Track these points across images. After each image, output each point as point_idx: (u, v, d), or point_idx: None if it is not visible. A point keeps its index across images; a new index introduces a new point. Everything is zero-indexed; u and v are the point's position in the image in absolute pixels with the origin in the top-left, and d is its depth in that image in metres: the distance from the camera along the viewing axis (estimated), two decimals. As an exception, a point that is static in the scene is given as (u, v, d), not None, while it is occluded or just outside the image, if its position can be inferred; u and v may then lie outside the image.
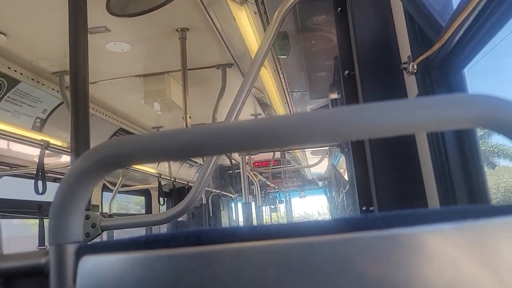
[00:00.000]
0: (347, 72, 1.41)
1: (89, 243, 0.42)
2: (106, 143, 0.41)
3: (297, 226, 0.39)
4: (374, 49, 1.26)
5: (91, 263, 0.41)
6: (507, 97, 0.36)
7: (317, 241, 0.37)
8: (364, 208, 1.37)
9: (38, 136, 2.74)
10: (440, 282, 0.35)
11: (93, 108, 3.36)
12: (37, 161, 2.77)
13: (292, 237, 0.38)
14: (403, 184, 1.26)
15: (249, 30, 2.16)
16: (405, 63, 1.04)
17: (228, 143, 0.39)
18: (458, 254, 0.36)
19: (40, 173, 2.63)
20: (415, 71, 1.00)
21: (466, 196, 0.94)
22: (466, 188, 0.93)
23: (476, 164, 0.93)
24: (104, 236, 4.42)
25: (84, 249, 0.41)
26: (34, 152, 2.95)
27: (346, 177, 4.04)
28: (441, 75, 0.96)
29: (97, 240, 1.34)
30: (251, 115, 4.29)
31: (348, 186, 3.62)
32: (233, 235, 0.39)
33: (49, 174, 3.11)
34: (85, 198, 0.41)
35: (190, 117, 2.62)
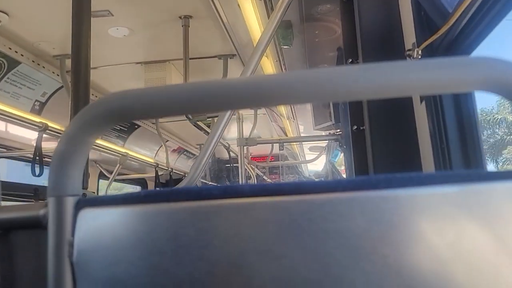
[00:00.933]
0: (350, 60, 1.41)
1: (88, 197, 0.41)
2: (110, 95, 0.40)
3: (298, 184, 0.39)
4: (379, 38, 1.26)
5: (90, 216, 0.41)
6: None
7: (318, 198, 0.37)
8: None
9: (36, 118, 2.73)
10: (441, 243, 0.35)
11: (93, 94, 3.34)
12: (34, 145, 2.76)
13: (292, 194, 0.38)
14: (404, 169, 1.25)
15: (253, 19, 2.15)
16: (409, 50, 1.04)
17: (230, 98, 0.38)
18: (460, 216, 0.36)
19: (37, 156, 2.62)
20: (420, 57, 0.99)
21: (462, 161, 0.93)
22: (462, 154, 0.93)
23: (472, 128, 0.92)
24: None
25: (83, 202, 0.41)
26: (32, 135, 2.94)
27: (344, 174, 4.04)
28: (446, 60, 0.95)
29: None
30: (251, 108, 4.28)
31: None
32: (234, 191, 0.39)
33: (46, 159, 3.10)
34: (85, 151, 0.41)
35: (190, 106, 2.61)
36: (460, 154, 0.98)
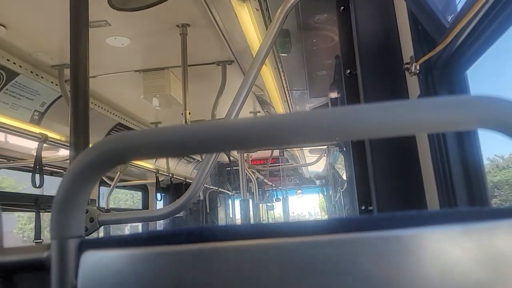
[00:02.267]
0: (348, 71, 1.41)
1: (91, 238, 0.41)
2: (109, 138, 0.40)
3: (300, 225, 0.39)
4: (376, 49, 1.26)
5: (93, 258, 0.41)
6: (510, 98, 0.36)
7: (320, 240, 0.37)
8: (363, 208, 1.37)
9: (36, 129, 2.73)
10: (444, 283, 0.35)
11: (92, 102, 3.35)
12: (34, 154, 2.76)
13: (294, 236, 0.38)
14: (403, 184, 1.25)
15: (250, 27, 2.15)
16: (407, 63, 1.04)
17: (226, 141, 0.39)
18: (461, 256, 0.36)
19: (37, 167, 2.62)
20: (418, 71, 1.00)
21: (465, 198, 0.94)
22: (466, 190, 0.93)
23: (477, 166, 0.93)
24: (100, 231, 4.42)
25: (86, 244, 0.41)
26: (32, 145, 2.94)
27: (344, 176, 4.05)
28: (444, 76, 0.96)
29: (94, 235, 1.34)
30: (250, 112, 4.28)
31: (346, 185, 3.62)
32: (235, 232, 0.39)
33: (46, 168, 3.10)
34: (87, 193, 0.41)
35: (189, 113, 2.62)
36: (459, 154, 0.98)
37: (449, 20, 0.89)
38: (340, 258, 0.37)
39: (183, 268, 0.38)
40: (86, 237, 0.42)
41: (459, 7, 0.83)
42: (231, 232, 0.39)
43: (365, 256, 0.36)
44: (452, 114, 0.36)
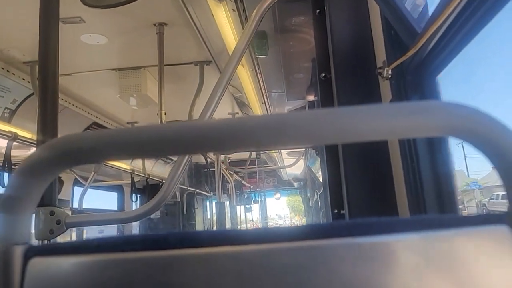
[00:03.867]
0: (323, 75, 1.41)
1: (38, 245, 0.39)
2: (65, 137, 0.38)
3: (258, 232, 0.37)
4: (350, 53, 1.26)
5: (40, 266, 0.38)
6: (478, 106, 0.35)
7: (278, 248, 0.36)
8: (335, 211, 1.37)
9: (5, 127, 2.65)
10: (403, 293, 0.35)
11: (66, 101, 3.27)
12: (3, 152, 2.69)
13: (252, 243, 0.36)
14: (374, 188, 1.26)
15: (227, 27, 2.14)
16: (380, 68, 1.04)
17: (197, 143, 0.37)
18: (422, 263, 0.35)
19: (6, 165, 2.54)
20: (390, 76, 1.00)
21: (435, 203, 0.94)
22: (436, 195, 0.94)
23: (446, 173, 0.94)
24: (74, 234, 4.32)
25: (33, 251, 0.39)
26: (2, 143, 2.86)
27: (321, 179, 4.07)
28: (415, 81, 0.96)
29: (55, 240, 1.29)
30: (229, 113, 4.26)
31: (322, 188, 3.64)
32: (191, 240, 0.37)
33: (16, 167, 3.02)
34: (37, 195, 0.39)
35: (165, 114, 2.59)
36: (430, 161, 0.99)
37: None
38: (298, 267, 0.35)
39: (135, 276, 0.36)
40: (33, 245, 0.39)
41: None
42: (188, 239, 0.37)
43: (324, 264, 0.35)
44: (418, 120, 0.36)
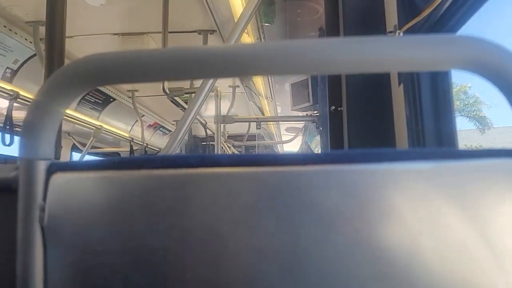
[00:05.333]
0: (331, 41, 1.40)
1: (61, 161, 0.40)
2: (79, 60, 0.39)
3: (275, 156, 0.39)
4: (361, 19, 1.25)
5: (63, 181, 0.40)
6: (495, 40, 0.36)
7: (294, 170, 0.37)
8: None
9: (7, 86, 2.64)
10: (413, 217, 0.36)
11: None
12: (5, 113, 2.68)
13: (269, 165, 0.38)
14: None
15: (235, -6, 2.11)
16: (390, 32, 1.04)
17: (217, 66, 0.38)
18: (431, 191, 0.37)
19: (8, 125, 2.54)
20: (400, 39, 0.99)
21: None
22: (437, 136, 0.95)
23: (447, 111, 0.94)
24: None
25: (56, 166, 0.40)
26: (3, 104, 2.85)
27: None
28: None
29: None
30: (229, 86, 4.25)
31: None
32: (211, 161, 0.39)
33: (17, 129, 3.02)
34: (59, 114, 0.40)
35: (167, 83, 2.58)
36: (434, 136, 1.00)
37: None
38: (312, 189, 0.37)
39: (154, 192, 0.38)
40: (56, 160, 0.41)
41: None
42: (206, 160, 0.39)
43: (337, 188, 0.37)
44: (430, 52, 0.37)
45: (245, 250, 0.37)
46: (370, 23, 1.23)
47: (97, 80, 0.39)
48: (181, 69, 0.38)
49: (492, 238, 0.36)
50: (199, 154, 0.40)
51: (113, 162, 0.39)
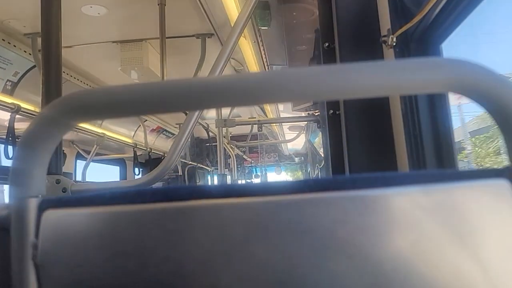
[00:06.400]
0: (327, 44, 1.40)
1: (53, 197, 0.40)
2: (74, 93, 0.39)
3: (265, 185, 0.39)
4: (355, 22, 1.25)
5: (54, 217, 0.40)
6: (481, 63, 0.36)
7: (285, 200, 0.37)
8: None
9: (8, 99, 2.65)
10: (404, 242, 0.36)
11: (67, 73, 3.26)
12: (7, 125, 2.69)
13: (259, 195, 0.38)
14: (377, 161, 1.27)
15: (230, -1, 2.11)
16: (384, 36, 1.04)
17: (203, 98, 0.38)
18: (423, 216, 0.36)
19: (10, 138, 2.56)
20: (394, 44, 1.00)
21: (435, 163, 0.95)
22: (436, 153, 0.95)
23: (446, 129, 0.94)
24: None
25: (47, 203, 0.40)
26: (5, 116, 2.86)
27: (321, 153, 4.08)
28: (419, 49, 0.96)
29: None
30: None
31: (323, 162, 3.66)
32: (201, 192, 0.39)
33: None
34: (48, 150, 0.40)
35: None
36: (434, 136, 1.00)
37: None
38: (304, 217, 0.37)
39: (146, 227, 0.38)
40: (47, 197, 0.41)
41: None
42: (196, 192, 0.39)
43: (328, 216, 0.37)
44: (422, 76, 0.36)
45: (239, 281, 0.36)
46: (364, 26, 1.23)
47: (87, 115, 0.39)
48: (171, 100, 0.38)
49: (484, 260, 0.35)
50: (189, 186, 0.40)
51: (104, 197, 0.39)
